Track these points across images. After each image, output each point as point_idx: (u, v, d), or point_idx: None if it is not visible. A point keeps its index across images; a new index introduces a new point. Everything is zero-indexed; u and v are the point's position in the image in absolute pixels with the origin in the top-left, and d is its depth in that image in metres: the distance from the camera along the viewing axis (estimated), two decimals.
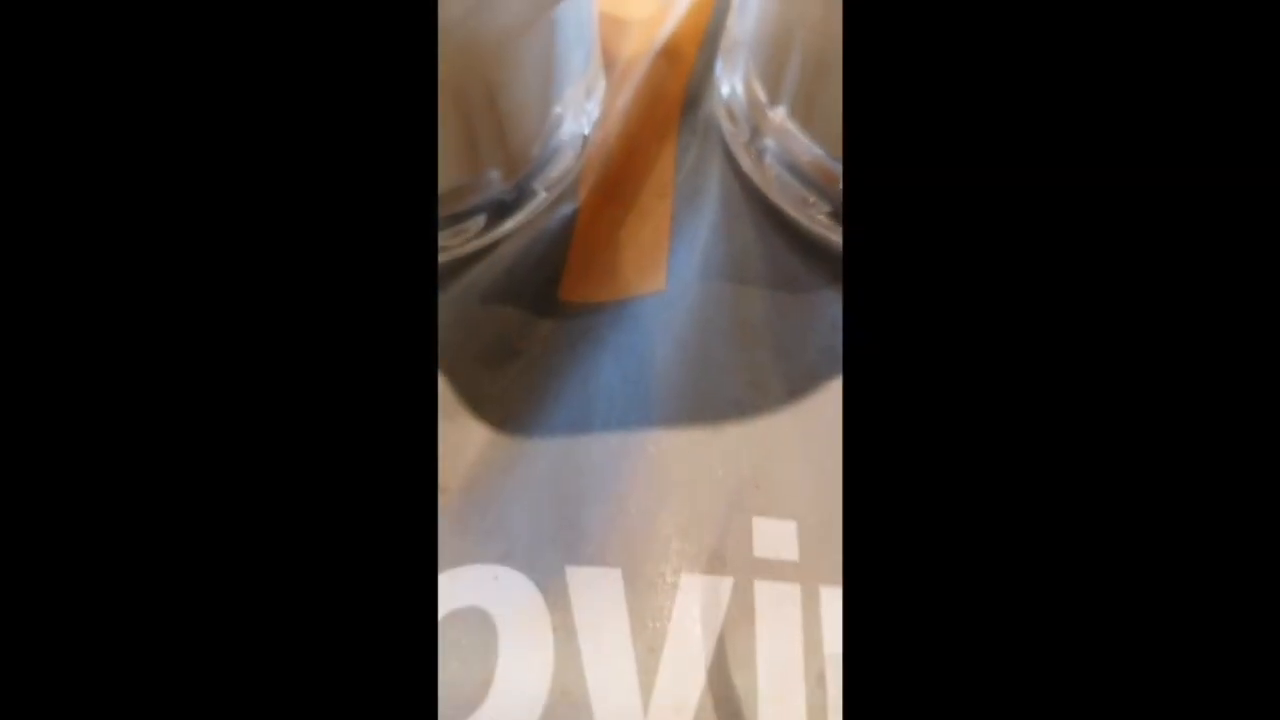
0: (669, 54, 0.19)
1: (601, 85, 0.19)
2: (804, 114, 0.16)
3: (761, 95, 0.17)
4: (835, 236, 0.17)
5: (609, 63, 0.20)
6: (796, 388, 0.16)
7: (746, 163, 0.18)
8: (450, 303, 0.16)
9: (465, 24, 0.12)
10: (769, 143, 0.17)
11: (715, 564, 0.14)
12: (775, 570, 0.14)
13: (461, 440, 0.15)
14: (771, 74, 0.16)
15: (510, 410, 0.15)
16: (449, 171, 0.15)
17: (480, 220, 0.16)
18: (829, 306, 0.17)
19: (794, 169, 0.17)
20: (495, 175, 0.16)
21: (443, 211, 0.16)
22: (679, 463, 0.15)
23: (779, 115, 0.16)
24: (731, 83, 0.18)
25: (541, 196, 0.17)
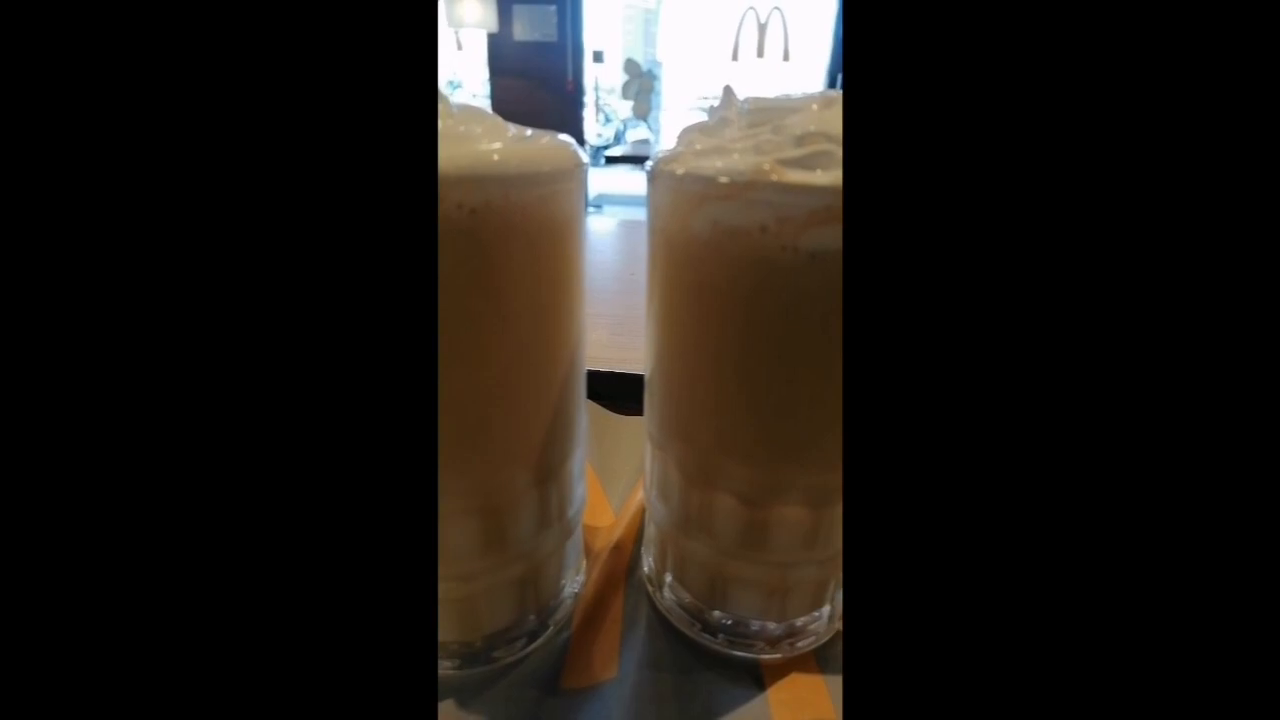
0: (617, 547, 0.38)
1: (584, 566, 0.37)
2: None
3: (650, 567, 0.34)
4: (716, 646, 0.32)
5: (589, 553, 0.38)
6: None
7: (659, 602, 0.35)
8: (508, 687, 0.30)
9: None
10: (666, 593, 0.34)
11: None
12: None
13: None
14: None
15: None
16: (507, 615, 0.31)
17: (523, 640, 0.32)
18: (705, 683, 0.31)
19: (688, 611, 0.34)
20: (532, 618, 0.32)
21: (501, 637, 0.31)
22: None
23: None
24: (647, 562, 0.36)
25: (551, 629, 0.33)
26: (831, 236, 0.22)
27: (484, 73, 3.70)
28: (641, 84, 4.22)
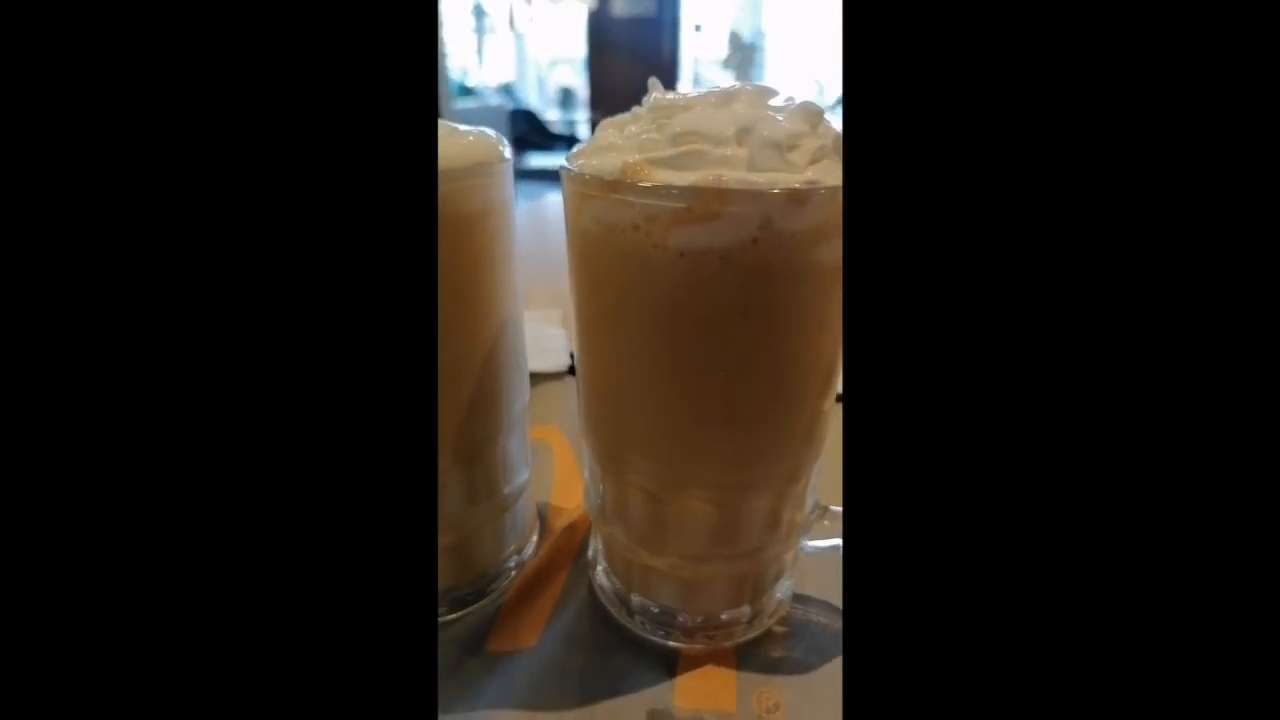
0: (571, 527, 0.40)
1: (534, 541, 0.38)
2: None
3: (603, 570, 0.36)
4: (636, 630, 0.33)
5: (549, 530, 0.40)
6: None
7: (594, 582, 0.36)
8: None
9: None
10: (599, 575, 0.35)
11: None
12: None
13: None
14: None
15: None
16: (441, 579, 0.34)
17: (449, 605, 0.34)
18: (618, 663, 0.32)
19: (614, 594, 0.35)
20: (465, 585, 0.34)
21: (443, 598, 0.34)
22: None
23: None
24: (591, 545, 0.37)
25: (490, 597, 0.35)
26: (696, 235, 0.22)
27: (583, 50, 3.74)
28: (744, 56, 4.11)
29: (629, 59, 3.66)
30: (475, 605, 0.35)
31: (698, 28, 4.10)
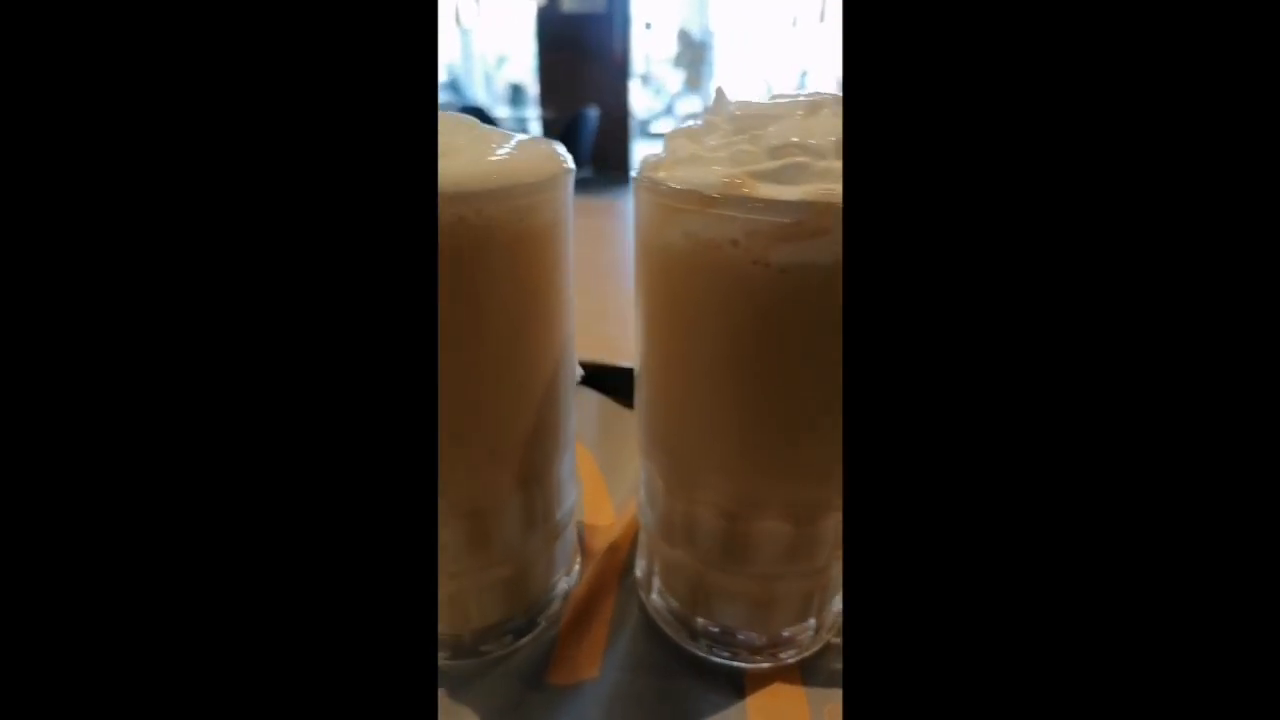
0: (613, 548, 0.38)
1: (578, 564, 0.37)
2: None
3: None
4: (699, 651, 0.32)
5: (587, 552, 0.39)
6: None
7: (648, 605, 0.35)
8: (495, 680, 0.31)
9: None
10: (655, 597, 0.34)
11: None
12: None
13: None
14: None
15: None
16: (496, 612, 0.32)
17: (510, 636, 0.33)
18: (685, 688, 0.31)
19: (673, 616, 0.34)
20: (520, 615, 0.33)
21: (489, 632, 0.32)
22: None
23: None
24: (640, 565, 0.36)
25: (541, 625, 0.34)
26: (802, 251, 0.21)
27: (532, 46, 3.68)
28: (694, 54, 4.13)
29: (580, 55, 3.62)
30: (529, 636, 0.33)
31: (648, 25, 4.09)
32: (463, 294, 0.23)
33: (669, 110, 4.63)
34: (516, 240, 0.24)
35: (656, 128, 3.66)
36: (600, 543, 0.39)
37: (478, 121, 0.26)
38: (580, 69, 3.64)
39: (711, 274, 0.23)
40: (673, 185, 0.23)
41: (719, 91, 0.27)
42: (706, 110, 0.28)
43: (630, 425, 0.49)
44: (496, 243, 0.24)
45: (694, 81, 4.21)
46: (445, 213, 0.22)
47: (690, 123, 0.27)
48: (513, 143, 0.25)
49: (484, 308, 0.24)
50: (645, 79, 4.55)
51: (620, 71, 3.74)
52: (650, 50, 4.43)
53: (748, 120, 0.24)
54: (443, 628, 0.31)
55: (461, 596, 0.30)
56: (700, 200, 0.22)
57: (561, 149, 0.27)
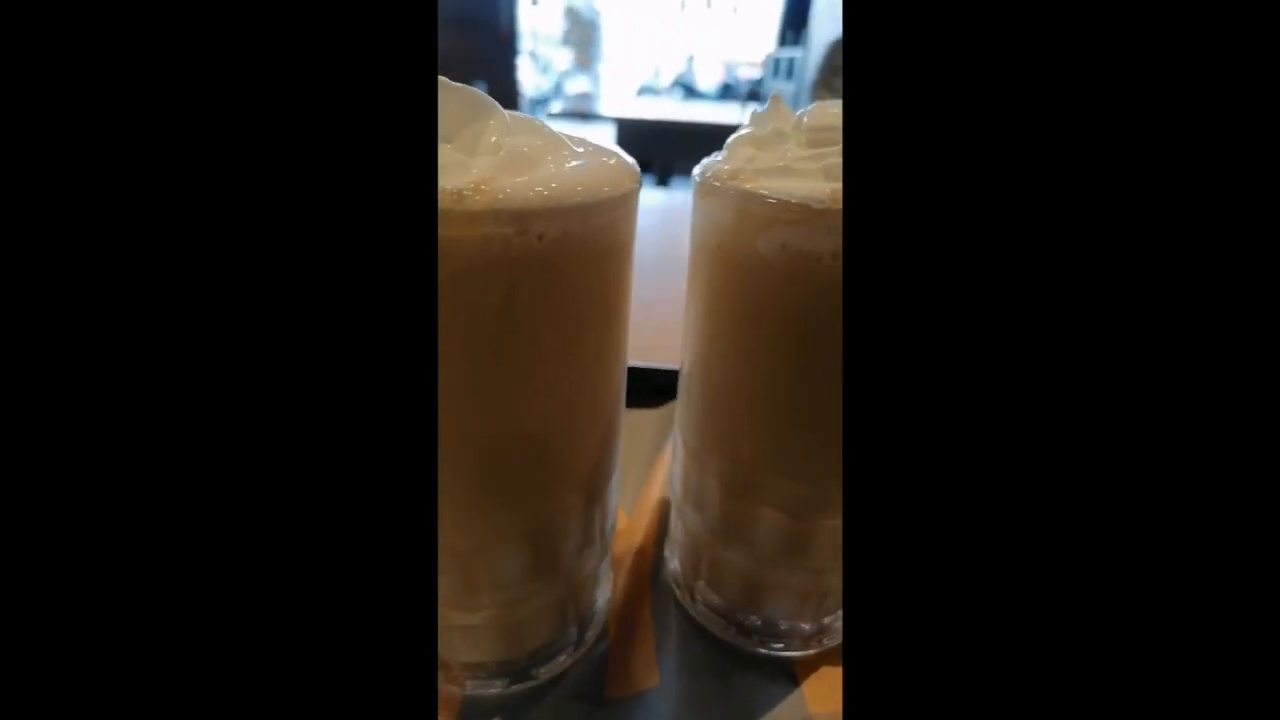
0: (640, 552, 0.38)
1: (610, 575, 0.37)
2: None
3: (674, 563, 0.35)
4: (751, 647, 0.33)
5: (614, 560, 0.38)
6: None
7: (689, 606, 0.35)
8: (554, 705, 0.30)
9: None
10: (699, 597, 0.35)
11: None
12: None
13: None
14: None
15: None
16: (549, 632, 0.31)
17: (564, 656, 0.32)
18: (743, 683, 0.32)
19: (711, 607, 0.34)
20: (572, 630, 0.32)
21: (542, 652, 0.31)
22: None
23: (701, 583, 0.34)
24: (671, 563, 0.36)
25: (589, 640, 0.33)
26: None
27: None
28: (583, 33, 4.06)
29: (466, 30, 3.44)
30: (579, 653, 0.32)
31: (535, 1, 3.97)
32: (554, 312, 0.22)
33: (558, 91, 4.54)
34: (598, 258, 0.23)
35: (554, 110, 3.57)
36: (622, 547, 0.39)
37: (545, 124, 0.24)
38: (466, 45, 3.47)
39: (806, 285, 0.24)
40: (774, 198, 0.23)
41: (775, 98, 0.27)
42: (756, 115, 0.28)
43: (633, 424, 0.48)
44: (583, 259, 0.23)
45: (583, 60, 4.15)
46: (531, 228, 0.20)
47: (745, 130, 0.27)
48: (594, 151, 0.24)
49: (576, 323, 0.23)
50: (534, 56, 4.42)
51: (508, 48, 3.60)
52: (537, 27, 4.31)
53: (824, 132, 0.24)
54: (499, 655, 0.30)
55: (518, 623, 0.29)
56: (806, 213, 0.22)
57: (631, 161, 0.26)
